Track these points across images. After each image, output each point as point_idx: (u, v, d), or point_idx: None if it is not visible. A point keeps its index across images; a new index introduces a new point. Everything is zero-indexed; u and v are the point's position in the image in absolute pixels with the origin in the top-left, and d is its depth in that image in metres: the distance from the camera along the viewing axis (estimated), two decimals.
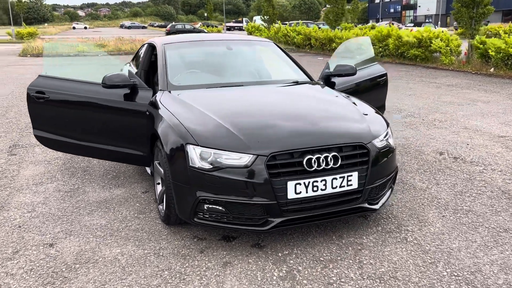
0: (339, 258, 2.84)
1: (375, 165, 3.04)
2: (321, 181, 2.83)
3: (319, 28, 23.43)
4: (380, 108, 5.07)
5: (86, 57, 9.54)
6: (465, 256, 2.83)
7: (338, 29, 22.60)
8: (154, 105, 3.55)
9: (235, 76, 4.10)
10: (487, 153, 5.10)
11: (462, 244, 2.99)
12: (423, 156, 5.06)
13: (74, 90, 3.88)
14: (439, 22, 54.25)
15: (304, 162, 2.78)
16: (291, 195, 2.77)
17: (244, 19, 68.03)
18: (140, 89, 3.81)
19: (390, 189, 3.37)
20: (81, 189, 4.05)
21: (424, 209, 3.59)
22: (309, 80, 4.24)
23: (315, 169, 2.81)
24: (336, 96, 3.75)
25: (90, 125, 3.88)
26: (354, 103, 3.63)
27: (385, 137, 3.23)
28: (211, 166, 2.76)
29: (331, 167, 2.85)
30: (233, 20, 78.76)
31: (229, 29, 57.48)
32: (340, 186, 2.90)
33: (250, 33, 29.68)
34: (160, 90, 3.73)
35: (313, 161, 2.80)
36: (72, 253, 2.90)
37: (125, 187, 4.07)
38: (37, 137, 4.07)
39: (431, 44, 14.32)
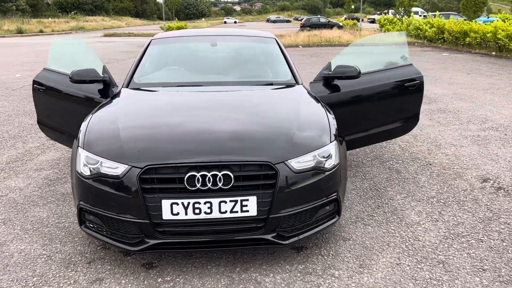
0: None
1: (287, 190, 2.50)
2: (204, 203, 2.42)
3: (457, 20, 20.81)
4: (409, 119, 4.24)
5: None
6: None
7: (477, 21, 19.77)
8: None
9: (204, 75, 3.79)
10: None
11: None
12: (456, 182, 4.08)
13: (64, 83, 4.04)
14: None
15: (185, 179, 2.41)
16: (166, 215, 2.43)
17: (390, 11, 64.61)
18: (112, 85, 3.80)
19: (322, 223, 2.75)
20: (65, 179, 4.21)
21: (377, 252, 2.86)
22: (291, 82, 3.70)
23: (198, 188, 2.42)
24: (294, 104, 3.18)
25: (78, 118, 3.99)
26: (310, 113, 3.04)
27: (317, 157, 2.63)
28: (90, 174, 2.57)
29: (219, 188, 2.42)
30: (378, 12, 75.20)
31: (372, 21, 55.06)
32: (232, 211, 2.45)
33: (381, 26, 27.91)
34: (122, 87, 3.64)
35: (196, 179, 2.41)
36: None
37: None
38: (39, 126, 4.36)
39: None
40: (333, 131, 2.88)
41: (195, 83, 3.60)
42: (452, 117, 6.61)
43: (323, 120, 2.95)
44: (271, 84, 3.62)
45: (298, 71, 3.96)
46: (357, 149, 5.04)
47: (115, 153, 2.54)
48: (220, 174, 2.42)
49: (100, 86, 3.80)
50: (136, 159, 2.48)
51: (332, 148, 2.75)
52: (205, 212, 2.43)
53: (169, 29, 37.62)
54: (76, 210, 2.69)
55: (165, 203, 2.41)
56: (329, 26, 37.60)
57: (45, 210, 3.52)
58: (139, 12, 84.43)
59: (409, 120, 4.33)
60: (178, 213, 2.43)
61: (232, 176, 2.43)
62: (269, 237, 2.54)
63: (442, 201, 3.65)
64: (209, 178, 2.41)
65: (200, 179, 2.41)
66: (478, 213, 3.42)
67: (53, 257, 2.82)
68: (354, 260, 2.77)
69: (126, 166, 2.47)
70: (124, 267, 2.68)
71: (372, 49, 4.92)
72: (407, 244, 2.96)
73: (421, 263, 2.72)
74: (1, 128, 6.15)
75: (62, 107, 4.07)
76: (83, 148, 2.66)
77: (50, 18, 50.85)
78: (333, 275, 2.60)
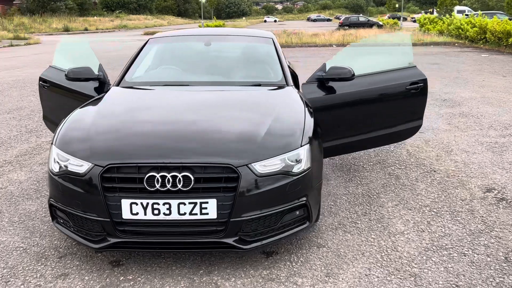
0: None
1: (249, 193, 2.45)
2: (163, 204, 2.42)
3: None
4: (411, 124, 4.09)
5: None
6: None
7: None
8: None
9: (194, 74, 3.78)
10: None
11: None
12: (457, 191, 3.88)
13: (66, 80, 4.15)
14: None
15: (145, 180, 2.42)
16: (126, 215, 2.44)
17: (435, 9, 62.63)
18: (107, 83, 3.87)
19: (290, 228, 2.68)
20: None
21: (349, 261, 2.75)
22: (281, 83, 3.63)
23: (157, 189, 2.42)
24: (273, 105, 3.11)
25: None
26: (287, 115, 2.97)
27: (286, 161, 2.57)
28: (58, 171, 2.63)
29: (179, 189, 2.41)
30: (423, 11, 72.86)
31: (415, 20, 53.48)
32: (191, 214, 2.43)
33: (421, 26, 27.01)
34: (112, 85, 3.70)
35: (156, 180, 2.41)
36: None
37: None
38: (44, 122, 4.52)
39: None
40: (308, 134, 2.80)
41: (182, 82, 3.60)
42: (472, 122, 6.30)
43: (298, 123, 2.87)
44: (259, 85, 3.57)
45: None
46: (360, 153, 4.90)
47: (82, 151, 2.58)
48: (180, 176, 2.41)
49: (96, 84, 3.88)
50: (100, 157, 2.51)
51: (302, 152, 2.67)
52: (164, 213, 2.43)
53: (206, 27, 38.24)
54: (48, 206, 2.76)
55: (125, 203, 2.43)
56: (369, 25, 36.88)
57: (36, 203, 3.64)
58: (181, 11, 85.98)
59: (411, 125, 4.17)
60: (137, 213, 2.43)
61: (192, 178, 2.41)
62: (230, 241, 2.50)
63: (435, 210, 3.48)
64: (168, 179, 2.40)
65: (160, 180, 2.40)
66: (470, 225, 3.24)
67: (28, 250, 2.90)
68: (322, 268, 2.68)
69: (90, 164, 2.50)
70: (92, 264, 2.72)
71: (375, 50, 4.75)
72: (383, 254, 2.84)
73: (391, 275, 2.60)
74: (21, 123, 6.42)
75: (64, 103, 4.18)
76: (55, 145, 2.72)
77: (95, 17, 52.72)
78: (296, 283, 2.53)
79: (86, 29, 41.83)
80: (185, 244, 2.52)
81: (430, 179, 4.16)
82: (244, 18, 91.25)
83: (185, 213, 2.43)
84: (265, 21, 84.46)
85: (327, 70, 3.72)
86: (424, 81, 4.12)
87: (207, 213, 2.43)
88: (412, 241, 3.00)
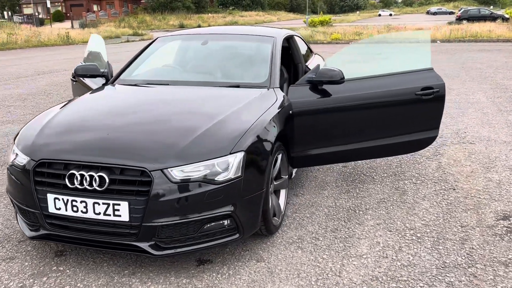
0: None
1: (162, 199, 2.40)
2: (80, 202, 2.48)
3: None
4: (421, 135, 3.66)
5: None
6: None
7: None
8: None
9: (179, 74, 3.80)
10: None
11: None
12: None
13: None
14: None
15: (67, 177, 2.50)
16: (51, 209, 2.56)
17: None
18: (108, 80, 4.08)
19: (215, 239, 2.56)
20: None
21: (278, 280, 2.53)
22: (263, 85, 3.45)
23: (76, 187, 2.49)
24: (227, 108, 2.97)
25: None
26: (234, 120, 2.82)
27: (213, 167, 2.46)
28: (11, 162, 2.84)
29: (94, 189, 2.45)
30: None
31: None
32: (105, 214, 2.46)
33: None
34: (106, 83, 3.86)
35: (75, 178, 2.48)
36: None
37: None
38: None
39: None
40: (246, 142, 2.63)
41: (162, 81, 3.64)
42: None
43: (238, 129, 2.71)
44: (237, 86, 3.45)
45: None
46: (378, 161, 4.47)
47: (26, 147, 2.75)
48: (96, 175, 2.44)
49: (104, 80, 4.09)
50: (36, 153, 2.65)
51: (231, 160, 2.53)
52: (82, 211, 2.49)
53: (311, 23, 37.76)
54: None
55: (50, 197, 2.54)
56: (492, 18, 33.20)
57: None
58: (293, 6, 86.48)
59: (422, 135, 3.70)
60: (60, 208, 2.53)
61: (107, 178, 2.43)
62: (143, 245, 2.48)
63: (419, 235, 3.05)
64: (86, 178, 2.46)
65: (79, 178, 2.47)
66: (449, 256, 2.77)
67: None
68: (245, 285, 2.51)
69: (27, 158, 2.66)
70: (41, 251, 2.90)
71: (392, 48, 4.25)
72: (320, 277, 2.57)
73: None
74: None
75: None
76: (14, 140, 2.94)
77: (209, 14, 55.59)
78: None
79: (199, 26, 44.32)
80: (102, 243, 2.55)
81: (441, 198, 3.64)
82: (357, 12, 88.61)
83: (99, 213, 2.46)
84: (379, 15, 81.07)
85: (318, 72, 3.46)
86: (441, 86, 3.62)
87: (119, 215, 2.44)
88: (365, 267, 2.66)
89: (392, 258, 2.76)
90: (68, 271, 2.68)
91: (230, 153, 2.55)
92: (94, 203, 2.45)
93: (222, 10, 64.61)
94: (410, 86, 3.60)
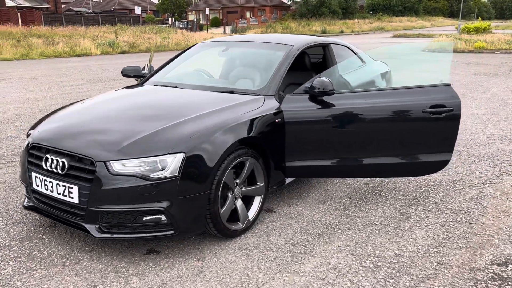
0: (67, 262, 2.88)
1: (102, 187, 2.70)
2: (49, 182, 2.92)
3: None
4: (432, 155, 3.37)
5: None
6: None
7: None
8: None
9: (191, 77, 4.02)
10: None
11: None
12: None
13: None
14: None
15: (43, 159, 2.96)
16: (34, 185, 3.05)
17: None
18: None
19: (149, 231, 2.77)
20: None
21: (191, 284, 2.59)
22: (257, 92, 3.48)
23: (47, 169, 2.93)
24: (197, 111, 3.10)
25: None
26: (193, 123, 2.96)
27: (152, 164, 2.68)
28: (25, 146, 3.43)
29: (57, 172, 2.86)
30: None
31: None
32: (63, 195, 2.86)
33: None
34: (141, 82, 4.31)
35: (48, 161, 2.93)
36: None
37: None
38: None
39: None
40: (190, 143, 2.76)
41: (173, 84, 3.91)
42: None
43: (190, 131, 2.85)
44: (231, 92, 3.55)
45: None
46: (395, 180, 4.11)
47: (32, 131, 3.31)
48: (60, 160, 2.85)
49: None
50: (34, 137, 3.18)
51: (170, 159, 2.70)
52: (49, 190, 2.92)
53: (465, 29, 34.26)
54: None
55: (33, 175, 3.04)
56: None
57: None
58: (453, 11, 79.74)
59: (431, 158, 3.34)
60: (38, 186, 3.01)
61: (66, 164, 2.82)
62: (88, 226, 2.79)
63: (380, 264, 2.77)
64: (54, 161, 2.88)
65: (49, 162, 2.91)
66: None
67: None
68: (169, 278, 2.64)
69: (27, 141, 3.21)
70: (42, 220, 3.44)
71: (410, 61, 3.79)
72: (239, 286, 2.55)
73: None
74: None
75: None
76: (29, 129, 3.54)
77: (356, 20, 54.71)
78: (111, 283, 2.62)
79: (342, 31, 44.10)
80: (63, 220, 2.94)
81: (444, 230, 3.22)
82: None
83: (60, 193, 2.86)
84: None
85: (312, 82, 3.38)
86: (456, 105, 3.23)
87: (72, 197, 2.80)
88: (291, 285, 2.56)
89: (327, 282, 2.59)
90: (46, 240, 3.15)
91: (169, 153, 2.71)
92: (57, 184, 2.86)
93: (371, 16, 63.01)
94: (417, 103, 3.27)
